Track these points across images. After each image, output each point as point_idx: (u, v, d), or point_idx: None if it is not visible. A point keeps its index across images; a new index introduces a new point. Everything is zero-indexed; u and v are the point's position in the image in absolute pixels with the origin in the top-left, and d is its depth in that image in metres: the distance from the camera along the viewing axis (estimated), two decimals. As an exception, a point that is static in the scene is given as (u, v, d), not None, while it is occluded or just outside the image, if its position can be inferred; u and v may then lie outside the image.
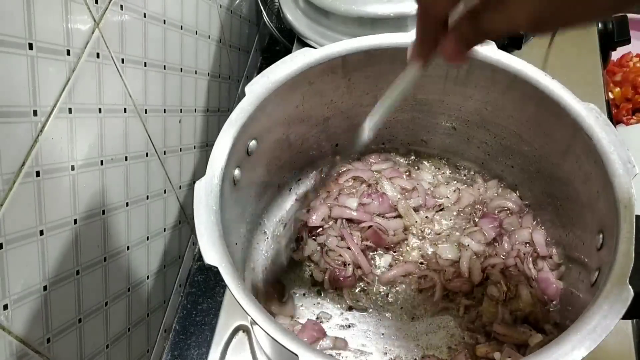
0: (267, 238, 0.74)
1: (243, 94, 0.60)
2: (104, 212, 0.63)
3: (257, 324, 0.46)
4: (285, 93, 0.63)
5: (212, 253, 0.49)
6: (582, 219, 0.61)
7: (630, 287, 0.46)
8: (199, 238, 0.50)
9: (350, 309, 0.67)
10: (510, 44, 0.88)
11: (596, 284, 0.52)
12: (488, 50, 0.63)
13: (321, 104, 0.70)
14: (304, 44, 0.91)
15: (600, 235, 0.55)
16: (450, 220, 0.73)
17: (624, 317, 0.45)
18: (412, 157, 0.82)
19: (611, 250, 0.50)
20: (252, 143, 0.62)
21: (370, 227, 0.70)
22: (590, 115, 0.58)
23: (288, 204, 0.78)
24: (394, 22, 0.82)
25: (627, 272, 0.47)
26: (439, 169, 0.81)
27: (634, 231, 0.50)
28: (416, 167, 0.81)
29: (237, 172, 0.60)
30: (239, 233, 0.65)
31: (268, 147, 0.67)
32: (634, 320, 0.66)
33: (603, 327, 0.45)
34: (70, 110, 0.55)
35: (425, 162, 0.81)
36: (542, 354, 0.45)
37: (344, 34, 0.85)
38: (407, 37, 0.64)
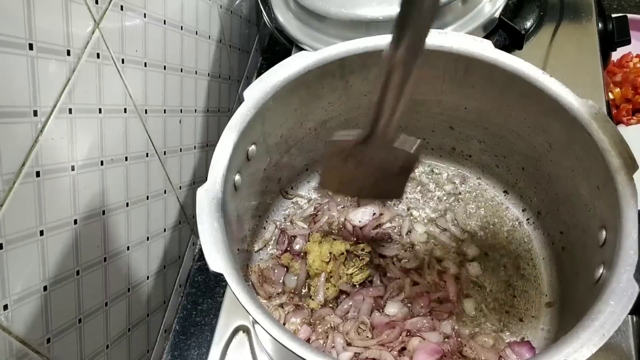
0: (267, 241, 0.74)
1: (242, 96, 0.60)
2: (104, 212, 0.63)
3: (268, 333, 0.46)
4: (283, 97, 0.63)
5: (217, 260, 0.49)
6: (583, 215, 0.61)
7: (636, 282, 0.46)
8: (203, 245, 0.50)
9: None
10: (512, 44, 0.88)
11: (600, 281, 0.52)
12: (485, 49, 0.63)
13: (319, 107, 0.70)
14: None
15: (603, 232, 0.55)
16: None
17: (630, 313, 0.45)
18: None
19: (614, 246, 0.50)
20: (252, 148, 0.62)
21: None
22: (589, 111, 0.58)
23: (287, 207, 0.78)
24: (389, 25, 0.81)
25: (632, 267, 0.48)
26: (435, 171, 0.81)
27: (637, 226, 0.50)
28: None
29: (237, 177, 0.60)
30: (241, 238, 0.66)
31: (267, 151, 0.67)
32: (634, 319, 0.66)
33: (611, 324, 0.45)
34: (70, 111, 0.55)
35: (424, 164, 0.82)
36: (551, 351, 0.45)
37: (337, 37, 0.84)
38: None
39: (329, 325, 0.65)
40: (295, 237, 0.73)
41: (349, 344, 0.63)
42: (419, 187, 0.80)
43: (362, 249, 0.71)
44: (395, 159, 0.61)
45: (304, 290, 0.69)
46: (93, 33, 0.58)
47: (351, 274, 0.69)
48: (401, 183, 0.65)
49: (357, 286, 0.68)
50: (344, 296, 0.68)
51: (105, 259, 0.64)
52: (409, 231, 0.75)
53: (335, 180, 0.65)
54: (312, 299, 0.67)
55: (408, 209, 0.77)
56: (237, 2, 1.00)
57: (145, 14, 0.68)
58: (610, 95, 1.14)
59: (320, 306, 0.67)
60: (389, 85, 0.49)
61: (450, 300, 0.67)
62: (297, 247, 0.72)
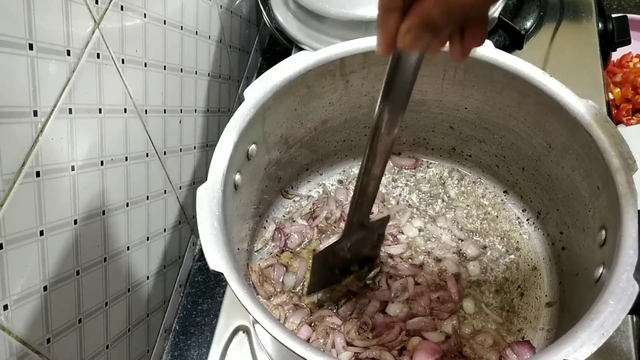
0: (267, 241, 0.74)
1: (243, 96, 0.60)
2: (104, 212, 0.63)
3: (268, 332, 0.46)
4: (283, 97, 0.63)
5: (217, 259, 0.49)
6: (583, 215, 0.62)
7: (635, 282, 0.46)
8: (203, 244, 0.50)
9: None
10: (512, 44, 0.88)
11: (600, 281, 0.52)
12: (486, 50, 0.63)
13: (319, 107, 0.70)
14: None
15: (603, 232, 0.55)
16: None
17: (630, 313, 0.45)
18: (411, 160, 0.82)
19: (614, 246, 0.50)
20: (252, 147, 0.62)
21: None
22: (589, 112, 0.58)
23: (288, 206, 0.78)
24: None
25: (632, 267, 0.48)
26: (435, 171, 0.81)
27: (637, 226, 0.50)
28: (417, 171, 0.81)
29: (237, 176, 0.60)
30: (241, 237, 0.66)
31: (267, 151, 0.67)
32: (634, 319, 0.66)
33: (610, 323, 0.45)
34: (70, 111, 0.55)
35: (424, 163, 0.82)
36: (551, 351, 0.45)
37: (337, 37, 0.85)
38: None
39: (329, 325, 0.65)
40: (291, 234, 0.73)
41: (349, 344, 0.63)
42: (419, 187, 0.80)
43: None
44: (373, 230, 0.64)
45: (300, 288, 0.69)
46: (93, 33, 0.58)
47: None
48: (378, 244, 0.68)
49: (364, 287, 0.69)
50: (345, 299, 0.68)
51: (105, 259, 0.64)
52: (409, 230, 0.75)
53: (323, 281, 0.67)
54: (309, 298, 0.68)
55: (408, 208, 0.77)
56: (237, 2, 1.00)
57: (145, 14, 0.68)
58: (610, 95, 1.14)
59: (319, 306, 0.67)
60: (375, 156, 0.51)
61: (451, 300, 0.67)
62: (293, 244, 0.73)
